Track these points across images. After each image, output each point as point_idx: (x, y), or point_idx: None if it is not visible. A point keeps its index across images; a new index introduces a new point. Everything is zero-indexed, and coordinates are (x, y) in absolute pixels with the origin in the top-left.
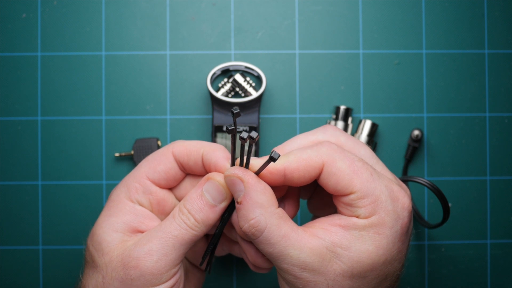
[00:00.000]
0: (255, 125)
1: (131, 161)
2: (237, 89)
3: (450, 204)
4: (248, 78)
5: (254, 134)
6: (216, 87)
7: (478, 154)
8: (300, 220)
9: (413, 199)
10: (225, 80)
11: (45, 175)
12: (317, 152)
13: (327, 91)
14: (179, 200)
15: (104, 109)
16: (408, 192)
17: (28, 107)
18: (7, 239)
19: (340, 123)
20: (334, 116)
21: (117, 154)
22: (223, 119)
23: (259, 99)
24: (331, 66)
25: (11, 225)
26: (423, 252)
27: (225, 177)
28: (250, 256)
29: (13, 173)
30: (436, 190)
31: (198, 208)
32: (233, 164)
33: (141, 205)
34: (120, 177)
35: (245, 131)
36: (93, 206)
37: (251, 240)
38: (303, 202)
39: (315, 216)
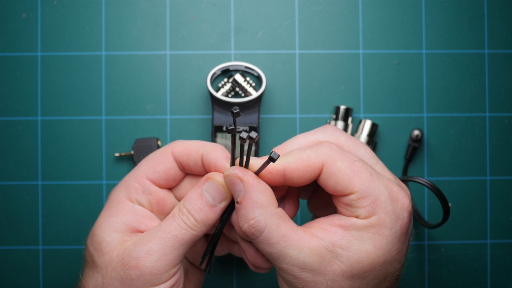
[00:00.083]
0: (255, 125)
1: (131, 161)
2: (237, 89)
3: (450, 204)
4: (248, 78)
5: (253, 134)
6: (216, 87)
7: (478, 154)
8: (300, 220)
9: (413, 199)
10: (225, 80)
11: (45, 175)
12: (317, 153)
13: (327, 91)
14: (179, 200)
15: (104, 109)
16: (408, 192)
17: (28, 107)
18: (7, 239)
19: (340, 123)
20: (334, 116)
21: (117, 154)
22: (223, 119)
23: (259, 99)
24: (331, 66)
25: (11, 225)
26: (423, 252)
27: (225, 177)
28: (249, 256)
29: (13, 173)
30: (436, 190)
31: (197, 208)
32: (232, 164)
33: (140, 205)
34: (120, 177)
35: (245, 131)
36: (93, 206)
37: (250, 240)
38: (303, 202)
39: (315, 216)
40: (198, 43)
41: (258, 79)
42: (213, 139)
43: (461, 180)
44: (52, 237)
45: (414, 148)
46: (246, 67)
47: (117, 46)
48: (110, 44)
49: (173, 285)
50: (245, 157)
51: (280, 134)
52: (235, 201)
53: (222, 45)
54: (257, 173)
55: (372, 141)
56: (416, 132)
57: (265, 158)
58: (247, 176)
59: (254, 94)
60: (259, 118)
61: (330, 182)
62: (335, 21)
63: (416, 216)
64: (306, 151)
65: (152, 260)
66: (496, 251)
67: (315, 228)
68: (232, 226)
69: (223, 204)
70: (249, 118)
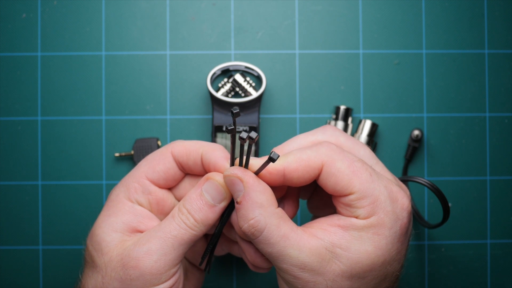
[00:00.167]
0: (255, 125)
1: (131, 161)
2: (237, 89)
3: (450, 204)
4: (248, 78)
5: (253, 134)
6: (216, 87)
7: (478, 154)
8: (300, 220)
9: (413, 199)
10: (225, 80)
11: (45, 175)
12: (317, 153)
13: (327, 91)
14: (179, 200)
15: (104, 109)
16: (408, 192)
17: (28, 107)
18: (7, 239)
19: (340, 123)
20: (334, 116)
21: (117, 154)
22: (223, 119)
23: (259, 99)
24: (331, 66)
25: (11, 225)
26: (423, 252)
27: (225, 177)
28: (249, 256)
29: (13, 173)
30: (436, 190)
31: (197, 208)
32: (232, 164)
33: (140, 205)
34: (120, 177)
35: (245, 131)
36: (93, 206)
37: (250, 240)
38: (302, 202)
39: (314, 216)
40: (198, 43)
41: (258, 79)
42: (213, 139)
43: (461, 180)
44: (52, 237)
45: (414, 148)
46: (246, 67)
47: (117, 46)
48: (110, 44)
49: (173, 285)
50: (245, 157)
51: (280, 134)
52: (235, 201)
53: (222, 45)
54: (257, 173)
55: (372, 141)
56: (416, 132)
57: (265, 158)
58: (247, 176)
59: (254, 94)
60: (259, 118)
61: (329, 182)
62: (335, 21)
63: (416, 216)
64: (305, 151)
65: (152, 260)
66: (496, 251)
67: (314, 228)
68: (231, 226)
69: (223, 204)
70: (249, 118)
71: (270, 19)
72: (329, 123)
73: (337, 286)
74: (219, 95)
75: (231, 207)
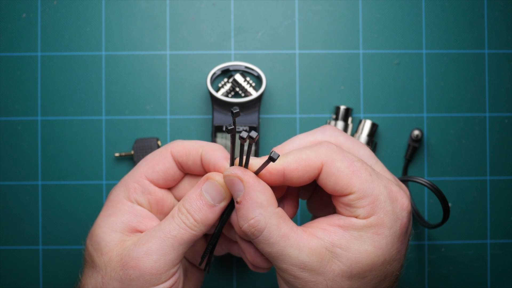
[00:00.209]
0: (255, 125)
1: (131, 161)
2: (237, 89)
3: (450, 204)
4: (248, 78)
5: (253, 134)
6: (216, 87)
7: (478, 154)
8: (300, 220)
9: (413, 199)
10: (225, 80)
11: (45, 175)
12: (316, 153)
13: (327, 91)
14: (178, 200)
15: (104, 109)
16: (407, 192)
17: (28, 107)
18: (7, 239)
19: (340, 123)
20: (334, 116)
21: (117, 154)
22: (223, 119)
23: (259, 99)
24: (331, 66)
25: (11, 225)
26: (423, 252)
27: (225, 177)
28: (249, 255)
29: (13, 173)
30: (436, 190)
31: (197, 208)
32: (232, 164)
33: (140, 205)
34: (120, 177)
35: (245, 130)
36: (93, 206)
37: (250, 239)
38: (302, 203)
39: (314, 217)
40: (198, 43)
41: (258, 79)
42: (213, 139)
43: (461, 180)
44: (52, 237)
45: (414, 148)
46: (246, 67)
47: (117, 46)
48: (110, 44)
49: (173, 285)
50: (244, 157)
51: (280, 134)
52: (235, 201)
53: (222, 45)
54: (257, 173)
55: (372, 141)
56: (416, 132)
57: (265, 158)
58: (247, 175)
59: (254, 94)
60: (259, 118)
61: (329, 182)
62: (335, 21)
63: (416, 216)
64: (305, 151)
65: (152, 260)
66: (496, 251)
67: (314, 228)
68: (231, 226)
69: (223, 204)
70: (249, 118)
71: (270, 19)
72: (329, 123)
73: (337, 286)
74: (219, 95)
75: (230, 207)
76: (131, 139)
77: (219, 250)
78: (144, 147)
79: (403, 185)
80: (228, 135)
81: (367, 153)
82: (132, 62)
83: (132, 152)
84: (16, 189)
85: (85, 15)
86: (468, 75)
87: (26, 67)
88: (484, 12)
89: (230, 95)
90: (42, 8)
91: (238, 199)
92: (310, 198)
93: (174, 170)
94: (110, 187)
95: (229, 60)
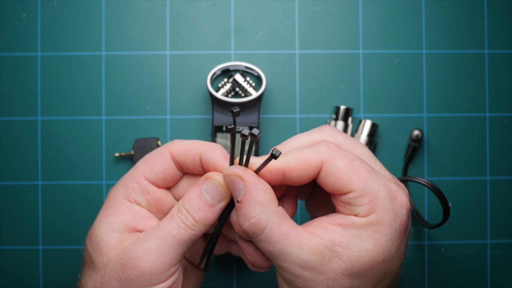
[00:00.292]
0: (255, 125)
1: (131, 161)
2: (237, 89)
3: (450, 204)
4: (248, 78)
5: (255, 131)
6: (216, 87)
7: (478, 154)
8: (300, 220)
9: (413, 199)
10: (225, 80)
11: (45, 175)
12: (316, 151)
13: (327, 91)
14: (177, 200)
15: (104, 109)
16: (406, 191)
17: (28, 107)
18: (7, 239)
19: (340, 123)
20: (334, 116)
21: (117, 154)
22: (223, 119)
23: (259, 99)
24: (331, 66)
25: (11, 225)
26: (423, 252)
27: (225, 176)
28: (248, 255)
29: (13, 173)
30: (436, 190)
31: (196, 207)
32: (232, 163)
33: (138, 204)
34: (120, 177)
35: (247, 128)
36: (93, 206)
37: (251, 239)
38: (301, 203)
39: (313, 217)
40: (198, 43)
41: (258, 79)
42: (213, 139)
43: (461, 180)
44: (52, 237)
45: (414, 148)
46: (246, 67)
47: (117, 46)
48: (110, 44)
49: (172, 284)
50: (245, 157)
51: (280, 134)
52: (235, 200)
53: (222, 45)
54: (257, 171)
55: (372, 141)
56: (416, 132)
57: (265, 157)
58: (248, 174)
59: (254, 94)
60: (259, 118)
61: (329, 180)
62: (335, 21)
63: (416, 216)
64: (305, 150)
65: (151, 260)
66: (496, 251)
67: (314, 227)
68: (230, 226)
69: (222, 204)
70: (249, 118)
71: (270, 19)
72: (329, 123)
73: (338, 285)
74: (219, 95)
75: (230, 206)
76: (131, 139)
77: (218, 250)
78: (144, 147)
79: (401, 184)
80: (228, 135)
81: (365, 153)
82: (132, 62)
83: (132, 152)
84: (16, 189)
85: (85, 15)
86: (468, 75)
87: (26, 67)
88: (484, 12)
89: (230, 95)
90: (42, 8)
91: (239, 198)
92: (309, 199)
93: (173, 170)
94: (110, 187)
95: (229, 60)
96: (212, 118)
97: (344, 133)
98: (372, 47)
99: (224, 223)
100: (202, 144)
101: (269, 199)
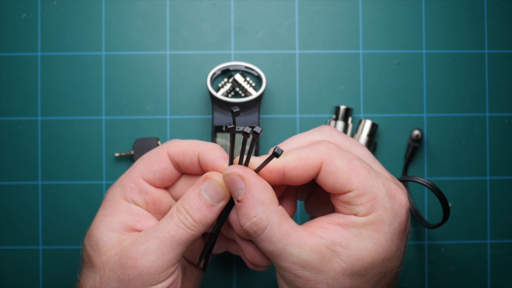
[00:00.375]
0: (255, 125)
1: (131, 161)
2: (237, 89)
3: (450, 204)
4: (248, 78)
5: (258, 129)
6: (216, 87)
7: (478, 154)
8: (300, 221)
9: (413, 199)
10: (225, 80)
11: (45, 175)
12: (315, 151)
13: (327, 91)
14: (175, 199)
15: (104, 109)
16: (405, 190)
17: (28, 107)
18: (7, 239)
19: (340, 123)
20: (334, 116)
21: (117, 154)
22: (223, 119)
23: (259, 99)
24: (331, 66)
25: (11, 225)
26: (423, 252)
27: (225, 176)
28: (248, 254)
29: (13, 173)
30: (436, 190)
31: (196, 207)
32: (231, 163)
33: (136, 204)
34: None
35: (249, 127)
36: (93, 206)
37: (252, 238)
38: (300, 204)
39: (312, 217)
40: (198, 43)
41: (258, 79)
42: (213, 139)
43: (461, 180)
44: (52, 237)
45: (414, 148)
46: (246, 67)
47: (117, 46)
48: (110, 44)
49: (171, 284)
50: (245, 156)
51: (280, 134)
52: (236, 200)
53: (222, 45)
54: (257, 171)
55: (372, 141)
56: (416, 132)
57: (265, 157)
58: (248, 174)
59: (254, 94)
60: (259, 118)
61: (328, 180)
62: (335, 21)
63: (416, 216)
64: (304, 150)
65: (150, 260)
66: (496, 251)
67: (314, 227)
68: (229, 225)
69: (222, 204)
70: (249, 118)
71: (270, 19)
72: (329, 123)
73: (338, 284)
74: (219, 95)
75: (229, 206)
76: (131, 139)
77: (217, 249)
78: (144, 147)
79: (400, 183)
80: (228, 135)
81: (364, 152)
82: (132, 62)
83: (132, 152)
84: (16, 189)
85: (85, 15)
86: (468, 75)
87: (26, 67)
88: (484, 12)
89: (230, 95)
90: (42, 8)
91: (240, 198)
92: (308, 199)
93: (170, 170)
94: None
95: (229, 60)
96: (212, 118)
97: (343, 133)
98: (372, 47)
99: (223, 223)
100: (200, 144)
101: (269, 199)
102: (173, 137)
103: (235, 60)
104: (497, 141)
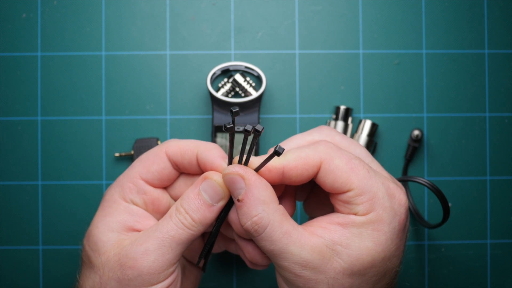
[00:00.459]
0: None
1: (131, 161)
2: (237, 89)
3: (450, 204)
4: (248, 78)
5: (259, 127)
6: (216, 87)
7: (478, 154)
8: (300, 222)
9: (413, 199)
10: (225, 80)
11: (45, 175)
12: (315, 151)
13: (327, 91)
14: (174, 199)
15: (104, 109)
16: (404, 189)
17: (28, 107)
18: (7, 239)
19: (340, 123)
20: (334, 116)
21: (117, 154)
22: (223, 119)
23: (259, 99)
24: (331, 66)
25: (11, 225)
26: (423, 252)
27: (225, 175)
28: (247, 253)
29: (13, 173)
30: (436, 190)
31: (195, 207)
32: (230, 162)
33: (135, 204)
34: None
35: (250, 125)
36: (93, 206)
37: (252, 237)
38: (299, 204)
39: (311, 218)
40: (198, 43)
41: (258, 79)
42: (213, 139)
43: (461, 180)
44: (52, 237)
45: (414, 148)
46: (246, 67)
47: (117, 46)
48: (110, 44)
49: (171, 283)
50: (245, 156)
51: (280, 134)
52: (236, 199)
53: (222, 45)
54: (257, 170)
55: (372, 141)
56: (416, 132)
57: (264, 156)
58: (248, 173)
59: (254, 94)
60: (259, 118)
61: (328, 179)
62: (335, 21)
63: (416, 216)
64: (304, 150)
65: (150, 261)
66: (496, 251)
67: (314, 226)
68: (228, 224)
69: (221, 204)
70: (249, 118)
71: (270, 19)
72: (329, 123)
73: (338, 284)
74: (219, 95)
75: (228, 206)
76: (131, 139)
77: (216, 248)
78: (144, 147)
79: (399, 183)
80: (228, 135)
81: (363, 152)
82: (132, 62)
83: (132, 152)
84: (16, 189)
85: (85, 15)
86: (468, 75)
87: (26, 67)
88: (484, 12)
89: (230, 95)
90: (42, 8)
91: (240, 197)
92: (307, 199)
93: (169, 170)
94: None
95: (229, 60)
96: (212, 118)
97: (342, 133)
98: (372, 47)
99: (222, 222)
100: (199, 144)
101: (270, 197)
102: (173, 137)
103: (235, 60)
104: (497, 141)
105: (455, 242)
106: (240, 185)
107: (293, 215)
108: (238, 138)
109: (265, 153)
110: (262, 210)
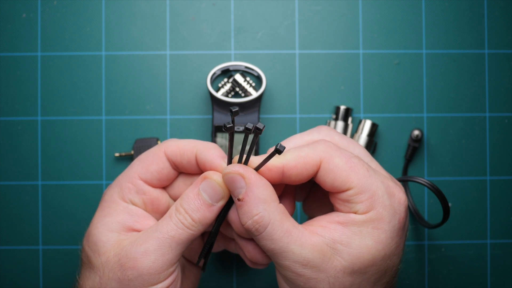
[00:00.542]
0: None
1: (131, 161)
2: (237, 89)
3: (450, 204)
4: (248, 78)
5: (260, 125)
6: (216, 87)
7: (478, 154)
8: (300, 222)
9: (413, 199)
10: (225, 80)
11: (45, 175)
12: (314, 150)
13: (327, 91)
14: (173, 199)
15: (104, 109)
16: (403, 188)
17: (28, 107)
18: (7, 239)
19: (340, 123)
20: (334, 116)
21: (117, 154)
22: (223, 119)
23: (259, 99)
24: (331, 66)
25: (11, 225)
26: (423, 252)
27: (225, 175)
28: (248, 252)
29: (13, 173)
30: (436, 190)
31: (195, 207)
32: (230, 162)
33: (134, 204)
34: None
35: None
36: (93, 206)
37: (253, 236)
38: (298, 205)
39: (310, 218)
40: (198, 43)
41: (258, 79)
42: (213, 139)
43: (461, 180)
44: (52, 237)
45: (414, 148)
46: (246, 67)
47: (117, 46)
48: (110, 44)
49: (171, 283)
50: (245, 155)
51: (280, 134)
52: (236, 199)
53: (222, 45)
54: (257, 169)
55: (372, 141)
56: (416, 132)
57: (264, 156)
58: (249, 172)
59: (254, 94)
60: (259, 118)
61: (328, 178)
62: (335, 21)
63: (416, 216)
64: (303, 149)
65: (150, 261)
66: (496, 251)
67: (314, 225)
68: (228, 224)
69: (221, 203)
70: (249, 118)
71: (270, 19)
72: (329, 123)
73: (339, 282)
74: (219, 95)
75: (228, 205)
76: (131, 139)
77: (216, 247)
78: (144, 147)
79: (398, 182)
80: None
81: (362, 152)
82: (132, 62)
83: (132, 152)
84: (16, 189)
85: (85, 15)
86: (468, 75)
87: (26, 67)
88: (484, 12)
89: (230, 95)
90: (42, 8)
91: (240, 196)
92: (306, 199)
93: (168, 170)
94: None
95: (229, 60)
96: (212, 118)
97: (341, 133)
98: (372, 47)
99: (222, 222)
100: (198, 144)
101: (270, 196)
102: (173, 137)
103: (235, 60)
104: (497, 141)
105: (455, 242)
106: (240, 184)
107: (292, 215)
108: (238, 138)
109: (265, 153)
110: (263, 209)
